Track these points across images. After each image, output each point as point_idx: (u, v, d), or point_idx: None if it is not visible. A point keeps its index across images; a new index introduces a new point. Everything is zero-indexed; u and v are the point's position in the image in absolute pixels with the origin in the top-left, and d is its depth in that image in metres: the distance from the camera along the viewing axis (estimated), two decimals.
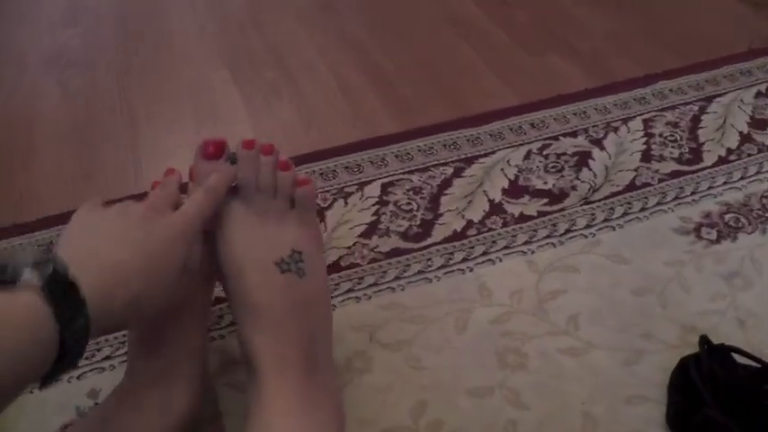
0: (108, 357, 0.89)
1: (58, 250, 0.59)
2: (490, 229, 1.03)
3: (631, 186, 1.09)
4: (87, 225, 0.65)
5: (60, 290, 0.53)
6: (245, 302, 0.72)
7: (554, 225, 1.03)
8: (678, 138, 1.18)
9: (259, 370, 0.69)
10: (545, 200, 1.07)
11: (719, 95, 1.28)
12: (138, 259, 0.62)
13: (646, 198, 1.07)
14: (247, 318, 0.72)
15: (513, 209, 1.06)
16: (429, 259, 0.99)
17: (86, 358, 0.88)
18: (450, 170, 1.13)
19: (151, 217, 0.66)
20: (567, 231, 1.02)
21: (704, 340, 0.83)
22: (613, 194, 1.08)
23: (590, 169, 1.12)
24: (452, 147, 1.17)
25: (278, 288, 0.72)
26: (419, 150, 1.17)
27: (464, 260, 0.99)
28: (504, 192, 1.09)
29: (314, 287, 0.75)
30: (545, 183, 1.10)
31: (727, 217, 1.04)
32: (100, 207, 0.68)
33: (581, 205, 1.06)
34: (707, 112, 1.24)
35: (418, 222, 1.04)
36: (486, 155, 1.15)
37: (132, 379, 0.74)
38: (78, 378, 0.87)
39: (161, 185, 0.77)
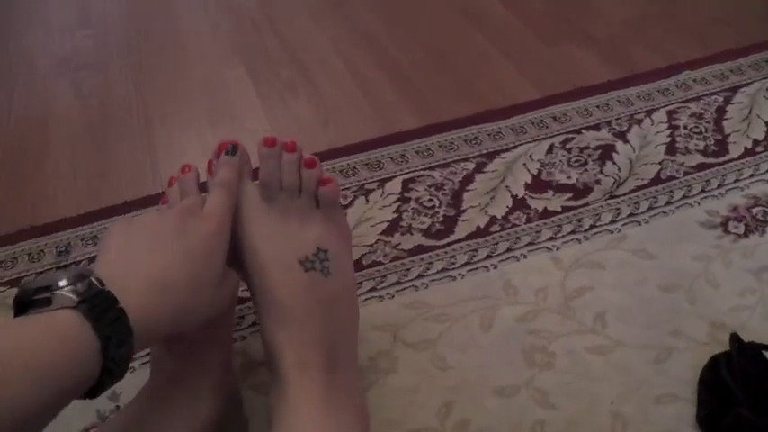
0: None
1: (95, 269, 0.58)
2: (514, 225, 1.01)
3: (656, 180, 1.08)
4: (121, 240, 0.64)
5: (98, 303, 0.53)
6: (268, 301, 0.71)
7: (579, 220, 1.02)
8: (703, 129, 1.17)
9: (281, 370, 0.68)
10: (569, 194, 1.06)
11: (745, 85, 1.26)
12: (180, 263, 0.62)
13: (671, 192, 1.06)
14: (270, 316, 0.71)
15: (537, 204, 1.04)
16: (452, 257, 0.98)
17: None
18: (471, 166, 1.11)
19: (184, 219, 0.66)
20: (592, 227, 1.01)
21: (735, 338, 0.82)
22: (638, 188, 1.07)
23: (614, 163, 1.11)
24: (473, 142, 1.15)
25: (301, 287, 0.71)
26: (440, 146, 1.15)
27: (488, 257, 0.97)
28: (527, 187, 1.07)
29: (339, 286, 0.73)
30: (568, 177, 1.08)
31: (754, 210, 1.03)
32: (129, 221, 0.67)
33: (605, 200, 1.05)
34: (732, 103, 1.22)
35: (440, 219, 1.03)
36: (507, 149, 1.14)
37: (157, 383, 0.73)
38: None
39: (179, 181, 0.76)
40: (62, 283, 0.53)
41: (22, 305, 0.53)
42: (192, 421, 0.70)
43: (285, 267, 0.71)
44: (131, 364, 0.84)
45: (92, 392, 0.53)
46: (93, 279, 0.54)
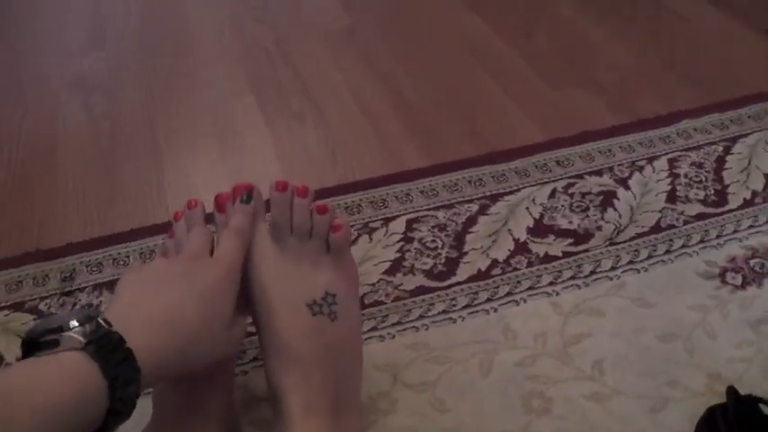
0: None
1: (104, 312, 0.59)
2: (515, 269, 1.03)
3: (656, 228, 1.09)
4: (130, 284, 0.66)
5: (105, 345, 0.53)
6: (275, 343, 0.72)
7: (579, 266, 1.03)
8: (703, 179, 1.18)
9: (287, 413, 0.69)
10: (570, 240, 1.07)
11: (744, 135, 1.28)
12: (189, 305, 0.63)
13: (671, 240, 1.07)
14: (276, 358, 0.72)
15: (538, 248, 1.05)
16: (453, 299, 0.99)
17: None
18: (475, 207, 1.12)
19: (193, 263, 0.67)
20: (592, 273, 1.02)
21: (732, 391, 0.82)
22: (638, 236, 1.08)
23: (615, 209, 1.12)
24: (477, 183, 1.17)
25: (308, 330, 0.72)
26: (444, 186, 1.16)
27: (488, 300, 0.98)
28: (529, 231, 1.09)
29: (346, 330, 0.74)
30: (570, 222, 1.10)
31: (752, 262, 1.04)
32: (140, 268, 0.69)
33: (606, 246, 1.06)
34: (732, 153, 1.24)
35: (443, 260, 1.04)
36: (511, 192, 1.15)
37: (159, 424, 0.73)
38: None
39: (185, 217, 0.77)
40: (71, 324, 0.54)
41: (31, 346, 0.54)
42: None
43: (293, 309, 0.72)
44: None
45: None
46: (100, 320, 0.55)
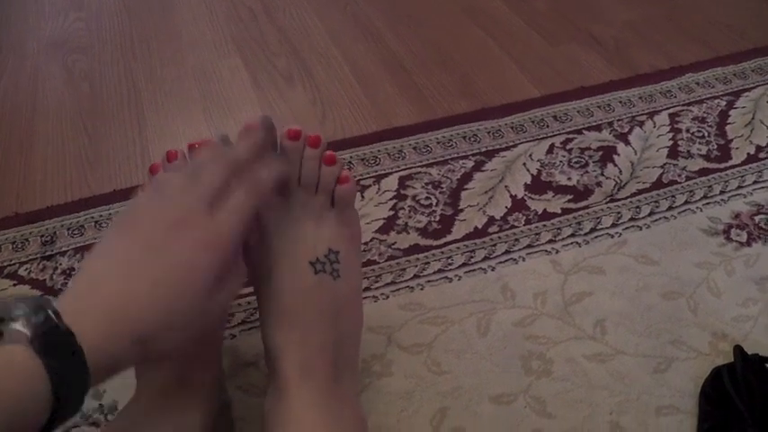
0: None
1: (59, 299, 0.53)
2: (513, 227, 0.99)
3: (658, 184, 1.05)
4: (97, 259, 0.57)
5: (52, 340, 0.48)
6: (274, 301, 0.68)
7: (579, 223, 0.99)
8: (706, 134, 1.14)
9: (283, 374, 0.65)
10: (569, 196, 1.03)
11: (748, 90, 1.24)
12: (161, 288, 0.54)
13: (673, 197, 1.03)
14: (274, 318, 0.68)
15: (537, 205, 1.02)
16: (449, 257, 0.95)
17: None
18: (470, 164, 1.09)
19: (181, 228, 0.57)
20: (593, 230, 0.99)
21: (738, 350, 0.79)
22: (640, 192, 1.04)
23: (615, 165, 1.08)
24: (472, 139, 1.13)
25: (310, 289, 0.68)
26: (438, 142, 1.13)
27: (486, 259, 0.95)
28: (527, 187, 1.05)
29: (347, 289, 0.71)
30: (569, 178, 1.06)
31: (757, 218, 1.00)
32: (121, 224, 0.59)
33: (606, 203, 1.02)
34: (735, 107, 1.20)
35: (438, 218, 1.00)
36: (507, 148, 1.11)
37: (143, 398, 0.69)
38: None
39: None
40: (17, 312, 0.48)
41: None
42: None
43: (295, 267, 0.68)
44: None
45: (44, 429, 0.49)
46: (50, 312, 0.49)
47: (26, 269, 0.95)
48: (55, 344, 0.48)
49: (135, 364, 0.65)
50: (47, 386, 0.47)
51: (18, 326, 0.47)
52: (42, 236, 0.99)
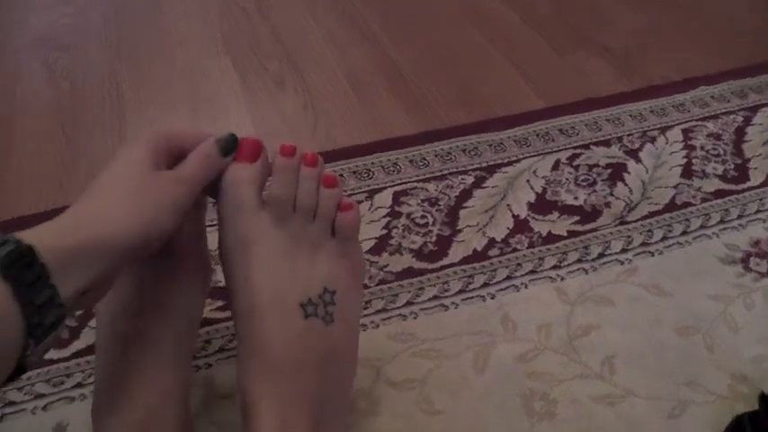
0: (79, 385, 0.78)
1: None
2: (515, 250, 0.92)
3: (671, 206, 0.98)
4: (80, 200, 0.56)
5: (19, 262, 0.44)
6: (254, 344, 0.60)
7: (586, 248, 0.92)
8: (721, 152, 1.07)
9: (255, 425, 0.58)
10: (576, 218, 0.96)
11: (765, 105, 1.18)
12: (110, 192, 0.54)
13: (687, 220, 0.96)
14: (252, 362, 0.60)
15: (541, 227, 0.95)
16: (446, 282, 0.88)
17: (53, 385, 0.77)
18: (470, 179, 1.02)
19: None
20: (601, 255, 0.92)
21: (764, 397, 0.72)
22: (651, 214, 0.97)
23: (625, 184, 1.01)
24: (473, 153, 1.06)
25: (297, 335, 0.60)
26: (435, 155, 1.06)
27: (485, 285, 0.88)
28: (531, 206, 0.98)
29: (341, 334, 0.63)
30: (575, 198, 0.99)
31: None
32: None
33: (615, 225, 0.95)
34: (752, 124, 1.14)
35: (434, 239, 0.93)
36: (509, 163, 1.04)
37: (104, 424, 0.62)
38: (44, 409, 0.76)
39: None
40: None
41: None
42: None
43: (282, 309, 0.60)
44: (81, 391, 0.76)
45: (21, 366, 0.46)
46: (9, 239, 0.45)
47: None
48: (20, 267, 0.45)
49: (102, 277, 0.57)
50: (16, 312, 0.44)
51: None
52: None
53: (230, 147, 0.62)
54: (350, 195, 0.98)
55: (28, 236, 0.46)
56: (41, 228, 0.49)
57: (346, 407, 0.66)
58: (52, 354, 0.80)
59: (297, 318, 0.60)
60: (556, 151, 1.07)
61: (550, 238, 0.94)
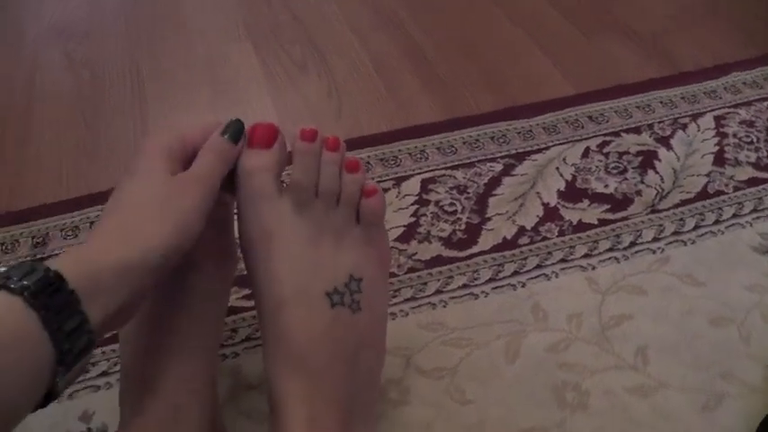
0: (104, 373, 0.78)
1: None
2: (545, 238, 0.91)
3: (703, 194, 0.97)
4: (101, 219, 0.55)
5: (47, 290, 0.44)
6: (281, 340, 0.59)
7: (617, 236, 0.91)
8: (755, 139, 1.05)
9: (287, 425, 0.57)
10: (606, 206, 0.95)
11: None
12: (132, 212, 0.53)
13: (720, 209, 0.95)
14: (279, 356, 0.59)
15: (571, 215, 0.93)
16: (475, 271, 0.87)
17: None
18: (498, 167, 1.00)
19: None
20: (632, 244, 0.90)
21: None
22: (683, 203, 0.96)
23: (656, 172, 1.00)
24: (501, 140, 1.04)
25: (324, 326, 0.59)
26: (464, 142, 1.04)
27: (515, 273, 0.87)
28: (560, 194, 0.96)
29: (368, 322, 0.62)
30: (606, 186, 0.97)
31: None
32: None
33: (647, 214, 0.94)
34: None
35: (463, 227, 0.92)
36: (539, 150, 1.03)
37: (131, 428, 0.61)
38: (69, 397, 0.75)
39: None
40: (16, 272, 0.44)
41: None
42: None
43: (308, 300, 0.59)
44: (107, 380, 0.75)
45: (49, 395, 0.45)
46: (40, 267, 0.45)
47: None
48: (50, 293, 0.44)
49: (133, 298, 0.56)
50: (45, 339, 0.43)
51: (14, 284, 0.43)
52: (34, 237, 0.91)
53: (237, 131, 0.60)
54: (377, 183, 0.97)
55: (57, 263, 0.45)
56: (70, 253, 0.49)
57: (375, 399, 0.65)
58: None
59: (323, 308, 0.59)
60: (585, 138, 1.05)
61: (581, 227, 0.92)
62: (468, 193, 0.97)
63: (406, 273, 0.87)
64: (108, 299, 0.47)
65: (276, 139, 0.62)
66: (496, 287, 0.85)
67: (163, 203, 0.53)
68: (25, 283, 0.43)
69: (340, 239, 0.61)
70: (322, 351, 0.58)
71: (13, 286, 0.42)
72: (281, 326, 0.58)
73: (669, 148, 1.04)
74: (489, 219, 0.93)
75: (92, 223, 0.93)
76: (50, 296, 0.43)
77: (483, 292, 0.85)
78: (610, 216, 0.94)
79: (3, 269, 0.44)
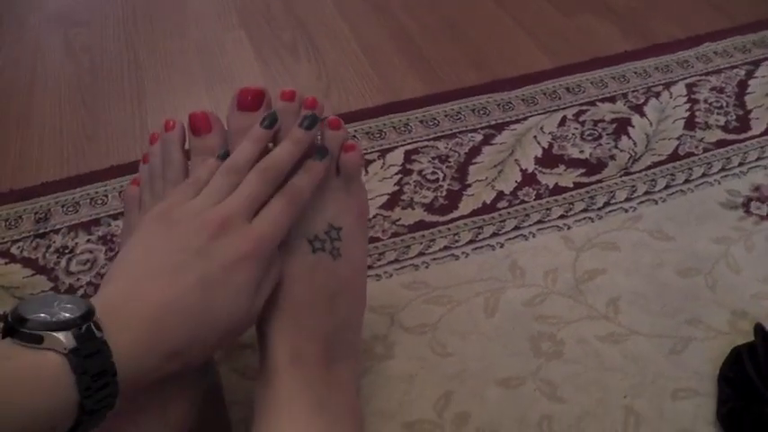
0: None
1: (104, 287, 0.53)
2: (522, 202, 0.95)
3: (674, 156, 1.01)
4: (141, 247, 0.57)
5: (89, 354, 0.47)
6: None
7: (591, 198, 0.95)
8: (724, 104, 1.10)
9: (272, 360, 0.61)
10: (582, 170, 0.99)
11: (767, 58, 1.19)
12: (189, 297, 0.53)
13: (690, 169, 0.99)
14: (266, 301, 0.63)
15: (548, 179, 0.98)
16: (456, 234, 0.91)
17: None
18: (479, 137, 1.05)
19: (217, 234, 0.56)
20: (606, 204, 0.94)
21: (759, 329, 0.75)
22: (655, 164, 1.00)
23: (629, 137, 1.04)
24: (481, 112, 1.09)
25: (306, 270, 0.64)
26: (445, 115, 1.09)
27: (494, 235, 0.91)
28: (538, 161, 1.01)
29: (348, 269, 0.66)
30: (581, 151, 1.02)
31: None
32: (160, 218, 0.59)
33: (620, 176, 0.98)
34: (754, 77, 1.16)
35: (444, 193, 0.96)
36: (517, 121, 1.07)
37: None
38: None
39: (161, 141, 0.68)
40: (62, 316, 0.47)
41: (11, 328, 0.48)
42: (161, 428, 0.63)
43: (291, 245, 0.64)
44: None
45: None
46: (92, 326, 0.48)
47: (18, 247, 0.92)
48: (90, 358, 0.47)
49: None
50: (75, 398, 0.46)
51: (60, 335, 0.46)
52: (36, 213, 0.96)
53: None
54: (362, 155, 1.01)
55: (107, 329, 0.48)
56: (123, 318, 0.51)
57: (355, 342, 0.69)
58: None
59: (304, 253, 0.64)
60: (562, 108, 1.10)
61: (557, 190, 0.97)
62: (450, 162, 1.01)
63: (390, 237, 0.91)
64: (139, 377, 0.51)
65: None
66: (476, 248, 0.90)
67: (205, 287, 0.55)
68: (75, 345, 0.46)
69: (320, 191, 0.65)
70: (305, 290, 0.63)
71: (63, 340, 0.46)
72: None
73: (642, 114, 1.08)
74: (469, 185, 0.98)
75: (91, 199, 0.97)
76: (91, 358, 0.47)
77: (463, 253, 0.89)
78: (585, 179, 0.98)
79: (67, 316, 0.47)
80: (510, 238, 0.91)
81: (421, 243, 0.90)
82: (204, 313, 0.54)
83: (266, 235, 0.59)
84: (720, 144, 1.03)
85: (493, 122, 1.07)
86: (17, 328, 0.47)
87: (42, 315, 0.47)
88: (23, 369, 0.45)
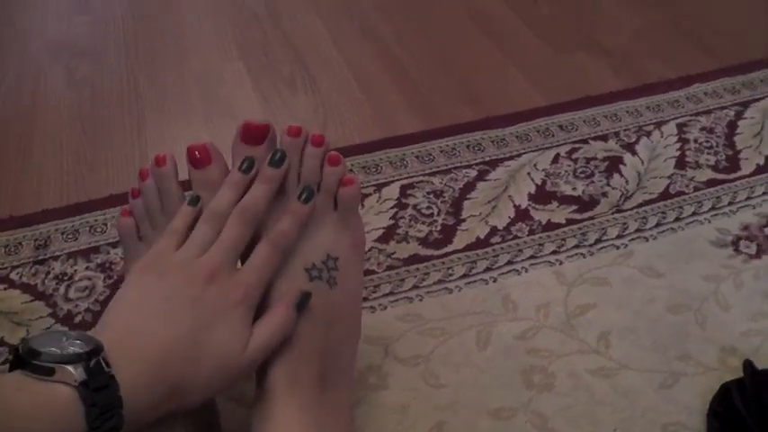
0: None
1: (103, 329, 0.56)
2: (515, 237, 0.97)
3: (665, 195, 1.03)
4: (136, 294, 0.60)
5: (98, 387, 0.50)
6: (264, 308, 0.65)
7: (583, 234, 0.97)
8: (714, 144, 1.12)
9: (269, 383, 0.63)
10: (574, 207, 1.01)
11: (756, 100, 1.22)
12: (186, 338, 0.57)
13: (681, 207, 1.01)
14: None
15: (541, 216, 1.00)
16: (450, 268, 0.93)
17: None
18: (473, 173, 1.06)
19: (207, 283, 0.60)
20: (598, 241, 0.96)
21: (748, 365, 0.77)
22: (646, 203, 1.02)
23: (621, 175, 1.06)
24: (476, 148, 1.11)
25: None
26: (441, 151, 1.10)
27: (487, 269, 0.93)
28: (531, 197, 1.03)
29: (344, 298, 0.68)
30: (574, 188, 1.04)
31: (767, 230, 0.98)
32: (152, 268, 0.61)
33: (612, 213, 1.00)
34: (743, 118, 1.18)
35: (439, 228, 0.98)
36: (511, 157, 1.09)
37: None
38: None
39: (154, 176, 0.70)
40: (72, 350, 0.50)
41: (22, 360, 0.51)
42: None
43: (289, 274, 0.66)
44: None
45: None
46: (101, 359, 0.51)
47: (18, 273, 0.93)
48: (99, 391, 0.49)
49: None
50: (83, 429, 0.49)
51: (71, 368, 0.49)
52: (36, 240, 0.97)
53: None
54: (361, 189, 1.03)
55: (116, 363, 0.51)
56: (129, 353, 0.54)
57: (352, 370, 0.71)
58: None
59: (302, 281, 0.65)
60: (555, 146, 1.12)
61: (550, 226, 0.98)
62: (444, 197, 1.03)
63: (384, 270, 0.93)
64: (142, 411, 0.53)
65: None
66: (469, 282, 0.91)
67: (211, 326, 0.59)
68: (85, 378, 0.49)
69: (318, 222, 0.67)
70: (300, 317, 0.64)
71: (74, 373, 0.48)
72: (264, 296, 0.64)
73: (634, 153, 1.10)
74: (464, 220, 0.99)
75: (91, 227, 0.99)
76: (99, 391, 0.49)
77: (457, 286, 0.91)
78: (577, 216, 1.00)
79: (77, 351, 0.50)
80: (503, 273, 0.92)
81: (415, 276, 0.92)
82: (200, 354, 0.57)
83: (253, 282, 0.62)
84: (711, 183, 1.05)
85: (487, 159, 1.09)
86: (29, 360, 0.49)
87: (53, 349, 0.50)
88: (36, 400, 0.47)
